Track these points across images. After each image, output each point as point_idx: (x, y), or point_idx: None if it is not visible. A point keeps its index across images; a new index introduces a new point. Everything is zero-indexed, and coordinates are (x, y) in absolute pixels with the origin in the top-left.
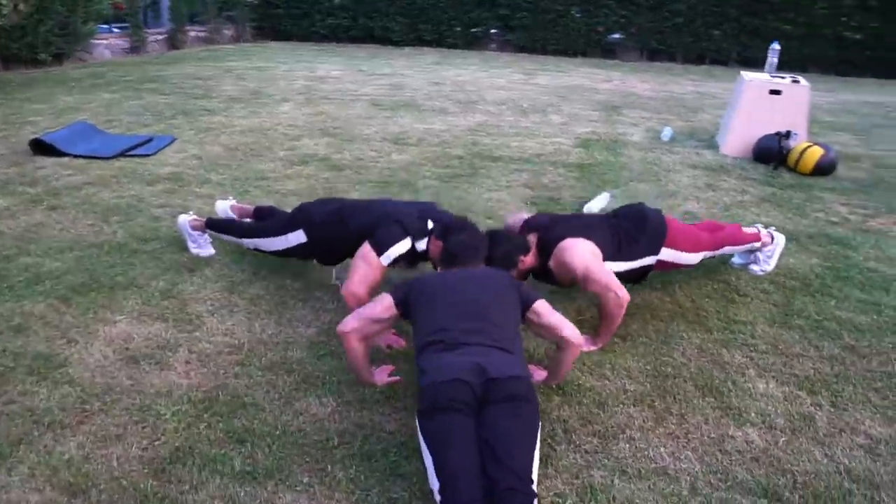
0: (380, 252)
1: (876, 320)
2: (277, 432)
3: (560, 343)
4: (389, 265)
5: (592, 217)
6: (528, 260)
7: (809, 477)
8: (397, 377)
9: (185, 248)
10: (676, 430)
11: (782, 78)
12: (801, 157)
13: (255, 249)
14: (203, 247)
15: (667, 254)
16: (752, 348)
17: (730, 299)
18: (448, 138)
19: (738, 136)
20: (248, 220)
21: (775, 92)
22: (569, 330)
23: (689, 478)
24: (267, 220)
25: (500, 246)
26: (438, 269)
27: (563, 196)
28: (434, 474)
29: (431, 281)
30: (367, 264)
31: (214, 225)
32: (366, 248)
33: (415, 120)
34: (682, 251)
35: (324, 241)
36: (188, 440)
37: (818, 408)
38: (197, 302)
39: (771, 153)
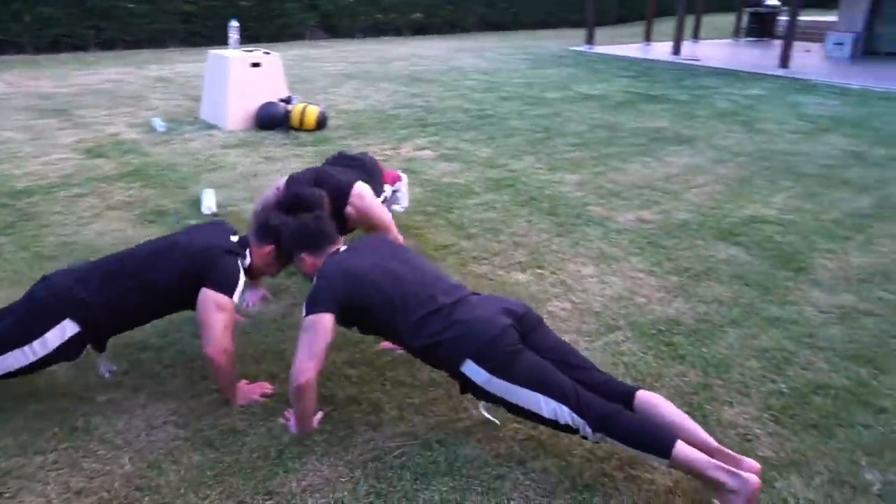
0: (231, 293)
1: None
2: None
3: None
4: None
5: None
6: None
7: None
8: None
9: None
10: None
11: (250, 51)
12: (303, 116)
13: None
14: None
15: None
16: None
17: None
18: None
19: (237, 110)
20: None
21: (256, 65)
22: None
23: None
24: None
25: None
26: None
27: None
28: (554, 402)
29: (350, 275)
30: (223, 311)
31: None
32: (211, 296)
33: None
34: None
35: (111, 315)
36: None
37: None
38: None
39: (276, 118)
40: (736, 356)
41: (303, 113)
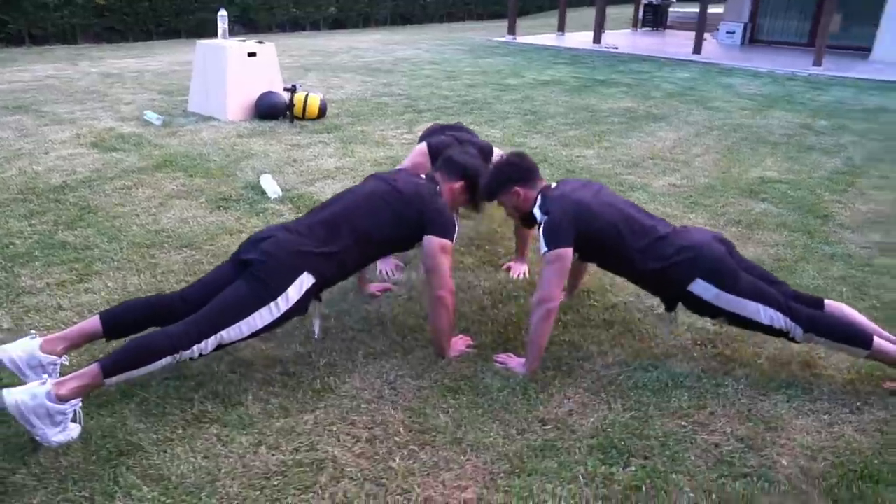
0: (452, 236)
1: None
2: None
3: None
4: None
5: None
6: None
7: None
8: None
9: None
10: None
11: (242, 41)
12: (306, 105)
13: (215, 349)
14: (66, 428)
15: None
16: None
17: None
18: None
19: (237, 101)
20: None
21: (252, 54)
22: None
23: None
24: (210, 295)
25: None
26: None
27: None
28: (771, 311)
29: (581, 205)
30: (447, 254)
31: (118, 364)
32: (436, 242)
33: None
34: None
35: (338, 265)
36: None
37: None
38: None
39: (278, 107)
40: (823, 284)
41: (305, 102)
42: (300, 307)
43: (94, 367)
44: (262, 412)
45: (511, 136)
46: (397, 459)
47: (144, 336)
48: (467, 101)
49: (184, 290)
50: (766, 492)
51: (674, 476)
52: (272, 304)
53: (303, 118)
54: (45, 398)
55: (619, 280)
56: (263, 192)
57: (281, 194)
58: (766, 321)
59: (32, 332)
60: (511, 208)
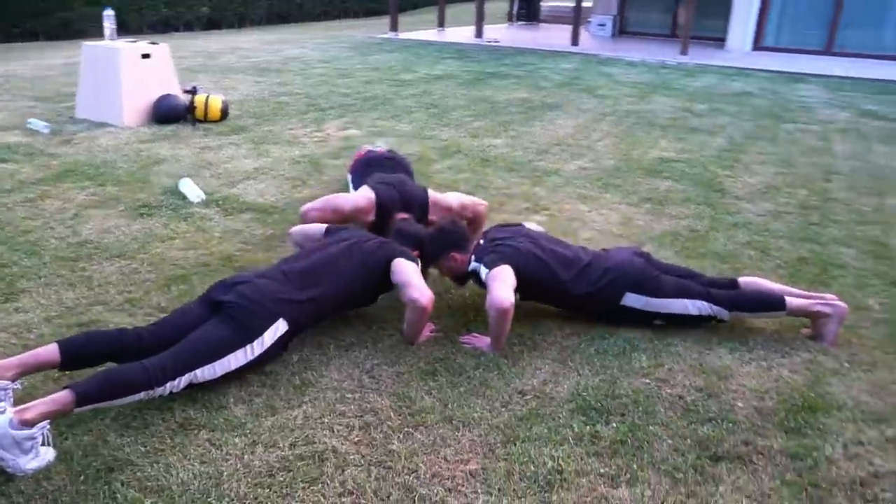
0: (413, 259)
1: None
2: None
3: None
4: None
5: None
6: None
7: None
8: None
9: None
10: None
11: (134, 41)
12: (207, 107)
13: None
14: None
15: None
16: None
17: None
18: None
19: (132, 105)
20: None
21: (146, 56)
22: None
23: None
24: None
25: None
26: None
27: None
28: (698, 302)
29: (514, 251)
30: (415, 264)
31: (90, 394)
32: (401, 262)
33: None
34: None
35: (313, 313)
36: None
37: None
38: None
39: (178, 110)
40: (733, 250)
41: (207, 103)
42: (273, 352)
43: (66, 394)
44: (248, 413)
45: (420, 130)
46: (396, 442)
47: (121, 368)
48: (367, 97)
49: (150, 326)
50: (731, 431)
51: (651, 428)
52: (248, 346)
53: (205, 120)
54: (8, 426)
55: None
56: (185, 197)
57: (205, 198)
58: (694, 312)
59: None
60: (447, 270)
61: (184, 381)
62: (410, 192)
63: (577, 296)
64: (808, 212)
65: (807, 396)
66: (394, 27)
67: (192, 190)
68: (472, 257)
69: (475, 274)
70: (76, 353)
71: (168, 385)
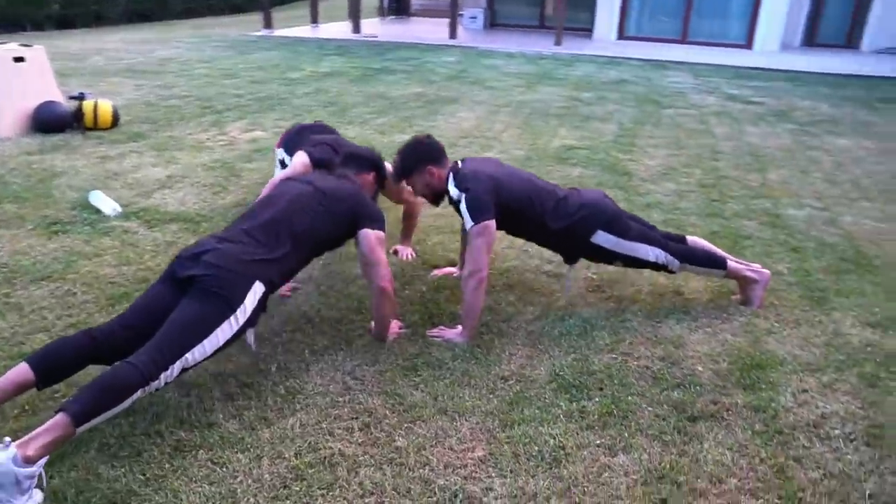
0: (383, 227)
1: None
2: None
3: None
4: None
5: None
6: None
7: None
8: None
9: None
10: None
11: (3, 43)
12: (97, 114)
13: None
14: (32, 494)
15: None
16: None
17: None
18: None
19: (9, 114)
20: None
21: (19, 59)
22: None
23: None
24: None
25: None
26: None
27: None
28: (656, 250)
29: (492, 179)
30: (383, 245)
31: (87, 409)
32: (372, 235)
33: None
34: None
35: (283, 269)
36: None
37: None
38: None
39: (64, 118)
40: None
41: (96, 110)
42: (255, 317)
43: (61, 417)
44: (242, 427)
45: None
46: (399, 439)
47: (109, 374)
48: (262, 97)
49: (118, 318)
50: (699, 393)
51: (630, 398)
52: (231, 317)
53: (95, 128)
54: (12, 463)
55: (500, 248)
56: (99, 211)
57: (121, 210)
58: (653, 259)
59: None
60: (423, 187)
61: (177, 367)
62: (355, 150)
63: (555, 230)
64: (707, 190)
65: (753, 356)
66: (268, 24)
67: (105, 203)
68: (452, 181)
69: (454, 202)
70: (51, 366)
71: (162, 376)
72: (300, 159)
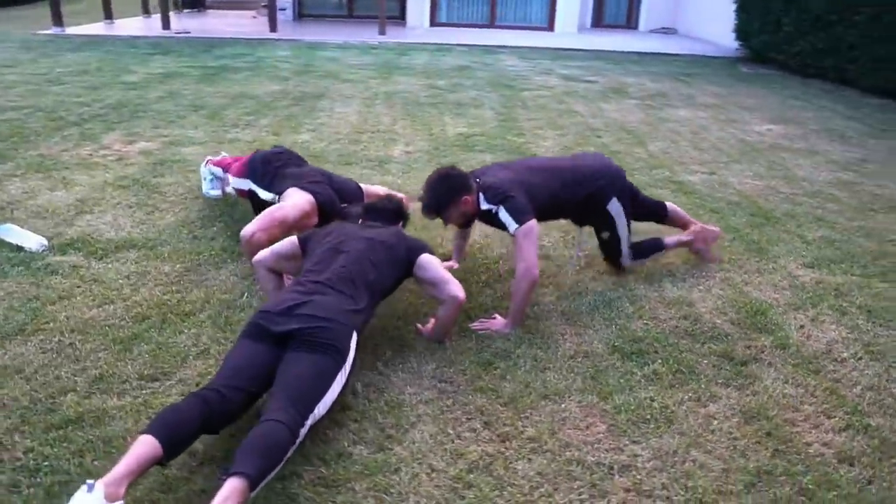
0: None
1: None
2: None
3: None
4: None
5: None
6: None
7: None
8: None
9: None
10: None
11: None
12: None
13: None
14: None
15: None
16: None
17: None
18: None
19: None
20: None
21: None
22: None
23: None
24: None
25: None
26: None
27: None
28: (629, 234)
29: (518, 184)
30: (440, 262)
31: (259, 472)
32: (433, 257)
33: None
34: None
35: (366, 320)
36: None
37: None
38: None
39: None
40: None
41: None
42: (353, 367)
43: (238, 483)
44: (373, 450)
45: (215, 134)
46: (526, 429)
47: (261, 435)
48: (114, 105)
49: (220, 381)
50: (733, 342)
51: (683, 355)
52: (343, 368)
53: None
54: None
55: (497, 235)
56: (20, 248)
57: (47, 243)
58: (624, 245)
59: (89, 481)
60: (458, 216)
61: (309, 422)
62: (342, 186)
63: (577, 203)
64: None
65: (747, 304)
66: (58, 21)
67: (24, 237)
68: (482, 198)
69: (491, 214)
70: (174, 438)
71: (301, 432)
72: (306, 198)
